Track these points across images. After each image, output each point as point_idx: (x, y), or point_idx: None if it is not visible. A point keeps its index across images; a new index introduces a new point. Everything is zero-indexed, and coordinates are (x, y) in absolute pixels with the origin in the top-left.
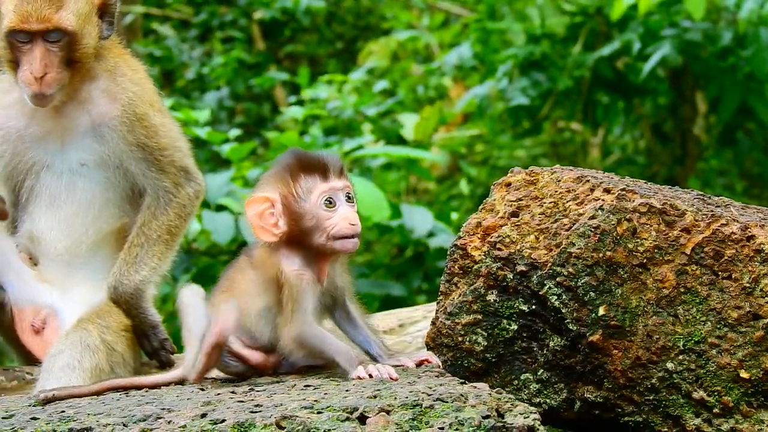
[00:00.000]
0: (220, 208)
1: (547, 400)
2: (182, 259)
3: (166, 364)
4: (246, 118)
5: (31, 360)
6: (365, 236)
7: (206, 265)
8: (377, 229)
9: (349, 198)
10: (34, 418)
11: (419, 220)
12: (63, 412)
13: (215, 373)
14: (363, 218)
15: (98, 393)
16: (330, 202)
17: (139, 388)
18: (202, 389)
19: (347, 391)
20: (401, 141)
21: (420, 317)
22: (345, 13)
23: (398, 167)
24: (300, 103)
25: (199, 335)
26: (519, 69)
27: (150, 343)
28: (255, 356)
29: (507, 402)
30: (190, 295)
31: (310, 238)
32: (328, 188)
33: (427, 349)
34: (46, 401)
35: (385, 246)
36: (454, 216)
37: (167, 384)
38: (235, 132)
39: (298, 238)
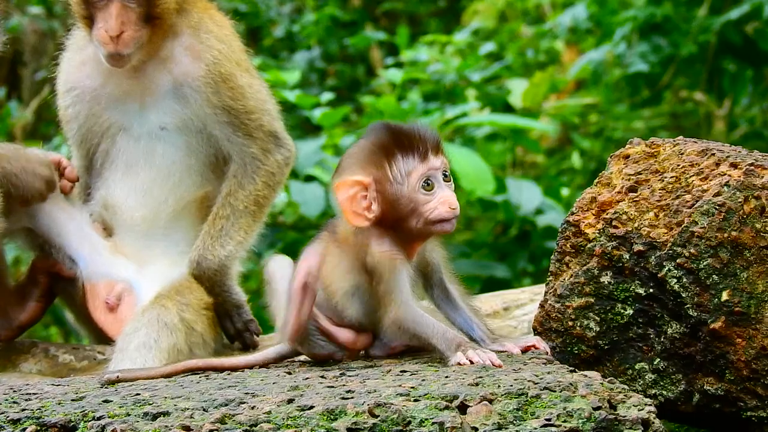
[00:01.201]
0: (310, 178)
1: (664, 392)
2: (267, 233)
3: (250, 347)
4: (338, 81)
5: (104, 338)
6: (467, 213)
7: (293, 240)
8: (480, 205)
9: (446, 176)
10: (106, 401)
11: (526, 195)
12: (138, 395)
13: (303, 358)
14: (465, 192)
15: (170, 375)
16: (428, 184)
17: (217, 370)
18: (289, 373)
19: (447, 377)
20: (508, 109)
21: (526, 300)
22: None
23: (504, 138)
24: (398, 65)
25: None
26: (638, 32)
27: (233, 323)
28: (344, 334)
29: (620, 392)
30: (279, 265)
31: (405, 222)
32: (427, 169)
33: (535, 334)
34: (110, 383)
35: (488, 223)
36: (565, 192)
37: (250, 367)
38: (327, 96)
39: (391, 221)
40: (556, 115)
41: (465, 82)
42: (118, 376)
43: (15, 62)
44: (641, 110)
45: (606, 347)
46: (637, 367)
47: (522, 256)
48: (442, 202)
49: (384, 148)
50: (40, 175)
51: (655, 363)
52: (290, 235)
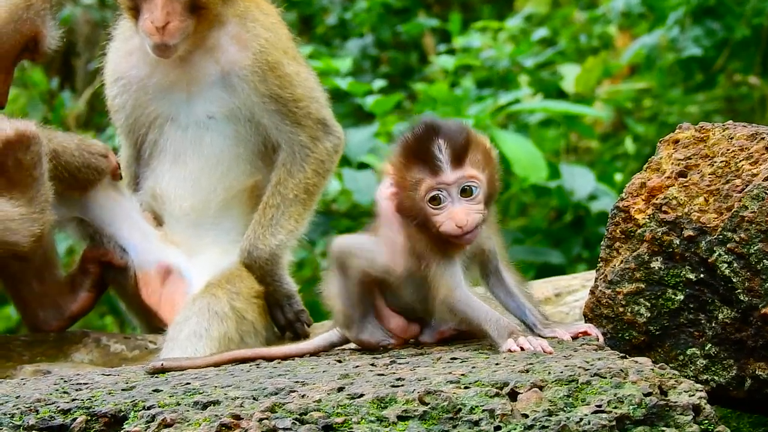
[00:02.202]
0: (363, 165)
1: (715, 378)
2: (321, 221)
3: (301, 338)
4: (391, 68)
5: (156, 328)
6: (521, 199)
7: (347, 227)
8: (533, 191)
9: (465, 191)
10: (156, 390)
11: (580, 181)
12: (188, 384)
13: (353, 345)
14: (518, 179)
15: (217, 365)
16: (435, 200)
17: (266, 359)
18: (340, 361)
19: (497, 364)
20: (561, 95)
21: (578, 286)
22: None
23: (557, 123)
24: (451, 52)
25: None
26: (692, 16)
27: (284, 314)
28: (395, 321)
29: (671, 378)
30: (347, 245)
31: (424, 226)
32: (436, 184)
33: (585, 321)
34: (156, 372)
35: (542, 210)
36: (618, 177)
37: (300, 356)
38: (379, 83)
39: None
40: (610, 101)
41: (518, 68)
42: (162, 364)
43: (68, 53)
44: (695, 95)
45: (657, 333)
46: (688, 352)
47: (576, 242)
48: (450, 218)
49: (404, 152)
50: (98, 153)
51: (707, 348)
52: (344, 222)
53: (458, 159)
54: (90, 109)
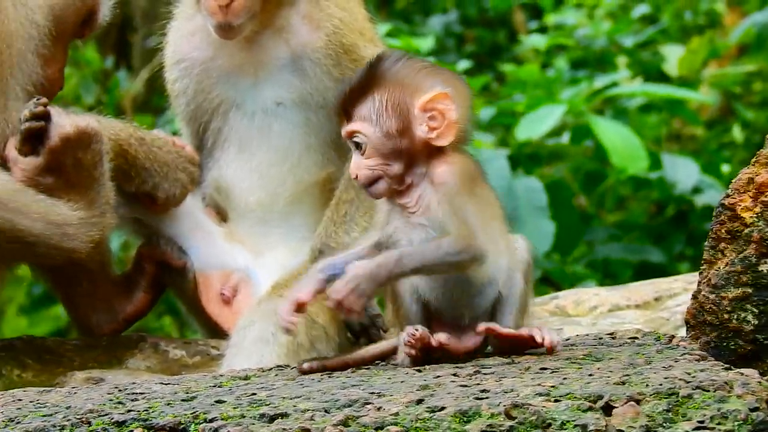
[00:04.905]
0: None
1: None
2: None
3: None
4: (478, 47)
5: (218, 332)
6: (618, 192)
7: None
8: (632, 183)
9: (356, 145)
10: (219, 401)
11: (683, 172)
12: (254, 394)
13: None
14: (616, 170)
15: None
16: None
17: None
18: (419, 370)
19: (590, 375)
20: (662, 77)
21: (680, 289)
22: None
23: (659, 109)
24: (543, 30)
25: None
26: None
27: (358, 317)
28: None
29: None
30: None
31: None
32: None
33: (687, 327)
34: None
35: (641, 203)
36: (726, 168)
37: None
38: (464, 64)
39: None
40: (717, 84)
41: (616, 48)
42: (323, 364)
43: (124, 28)
44: None
45: (765, 342)
46: None
47: (679, 239)
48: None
49: None
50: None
51: None
52: None
53: (346, 112)
54: (148, 89)
